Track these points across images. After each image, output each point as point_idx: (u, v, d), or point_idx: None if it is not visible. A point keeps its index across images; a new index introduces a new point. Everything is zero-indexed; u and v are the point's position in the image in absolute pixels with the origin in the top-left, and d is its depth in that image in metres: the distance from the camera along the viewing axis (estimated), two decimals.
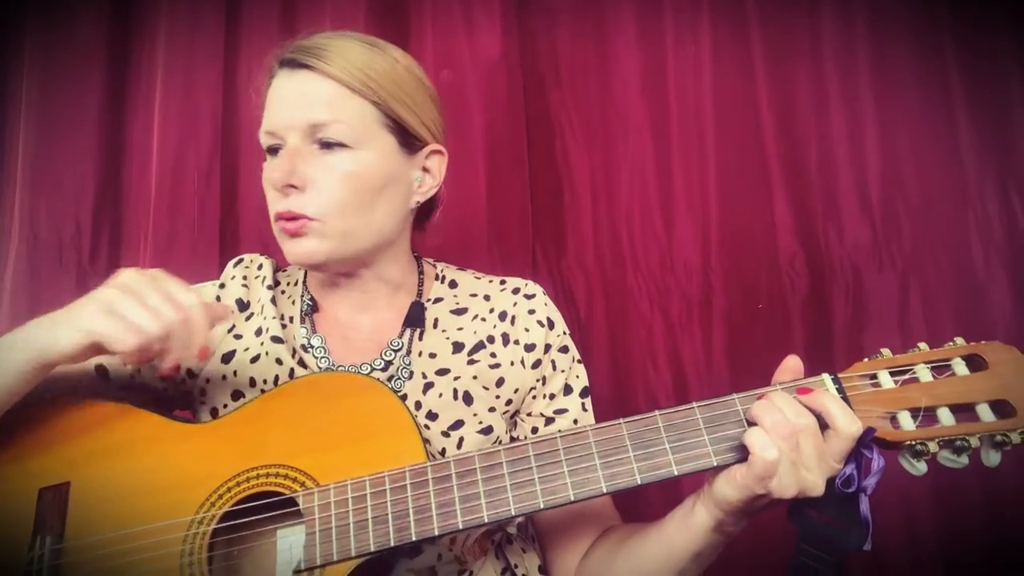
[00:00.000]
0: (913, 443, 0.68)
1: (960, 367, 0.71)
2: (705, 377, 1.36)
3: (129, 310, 0.71)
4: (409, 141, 0.89)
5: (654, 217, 1.40)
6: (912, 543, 1.27)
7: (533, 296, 0.96)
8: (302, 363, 0.89)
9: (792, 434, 0.66)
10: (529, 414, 0.93)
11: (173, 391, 0.91)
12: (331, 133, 0.84)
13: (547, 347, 0.93)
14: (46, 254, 1.37)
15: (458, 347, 0.92)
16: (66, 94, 1.40)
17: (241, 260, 0.98)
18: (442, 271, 1.01)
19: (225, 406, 0.88)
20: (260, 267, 0.97)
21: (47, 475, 0.78)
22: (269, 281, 0.95)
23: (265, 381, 0.87)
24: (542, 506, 0.69)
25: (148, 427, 0.79)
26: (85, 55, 1.41)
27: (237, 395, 0.88)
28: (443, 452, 0.85)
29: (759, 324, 1.36)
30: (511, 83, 1.41)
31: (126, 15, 1.43)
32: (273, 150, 0.87)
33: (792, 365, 0.74)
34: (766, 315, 1.36)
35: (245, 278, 0.95)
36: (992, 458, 0.68)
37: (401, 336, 0.92)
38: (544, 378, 0.93)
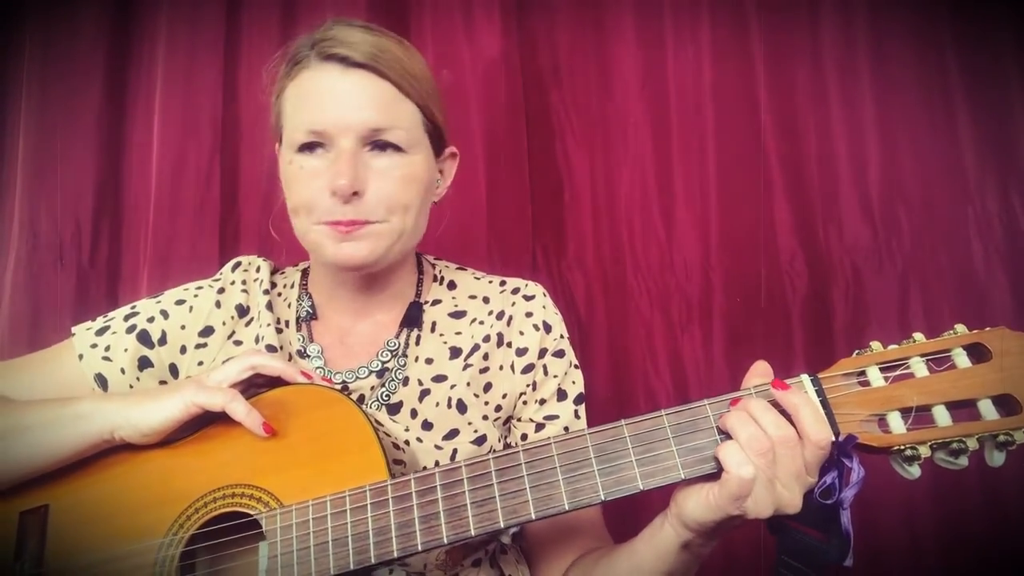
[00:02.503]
0: (902, 448, 0.63)
1: (961, 358, 0.64)
2: (705, 377, 1.36)
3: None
4: (438, 144, 0.90)
5: (654, 217, 1.40)
6: (912, 542, 1.27)
7: (532, 298, 0.94)
8: None
9: (769, 449, 0.62)
10: (520, 420, 0.92)
11: None
12: (390, 138, 0.82)
13: (541, 352, 0.91)
14: (46, 254, 1.37)
15: (455, 352, 0.91)
16: (66, 94, 1.40)
17: (239, 263, 0.96)
18: (440, 272, 0.99)
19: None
20: (258, 270, 0.95)
21: (26, 498, 0.78)
22: (266, 285, 0.93)
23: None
24: (502, 525, 0.67)
25: (123, 447, 0.78)
26: (85, 55, 1.41)
27: None
28: (436, 465, 0.83)
29: (759, 324, 1.36)
30: (511, 83, 1.41)
31: (126, 15, 1.43)
32: (312, 146, 0.83)
33: (762, 370, 0.70)
34: (766, 315, 1.36)
35: (244, 283, 0.93)
36: (996, 458, 0.62)
37: (398, 336, 0.91)
38: (535, 383, 0.91)
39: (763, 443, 0.62)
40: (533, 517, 0.67)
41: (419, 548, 0.67)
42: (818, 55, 1.38)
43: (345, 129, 0.81)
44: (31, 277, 1.36)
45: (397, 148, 0.83)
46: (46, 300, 1.36)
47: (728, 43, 1.39)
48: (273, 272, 0.98)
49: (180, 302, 0.91)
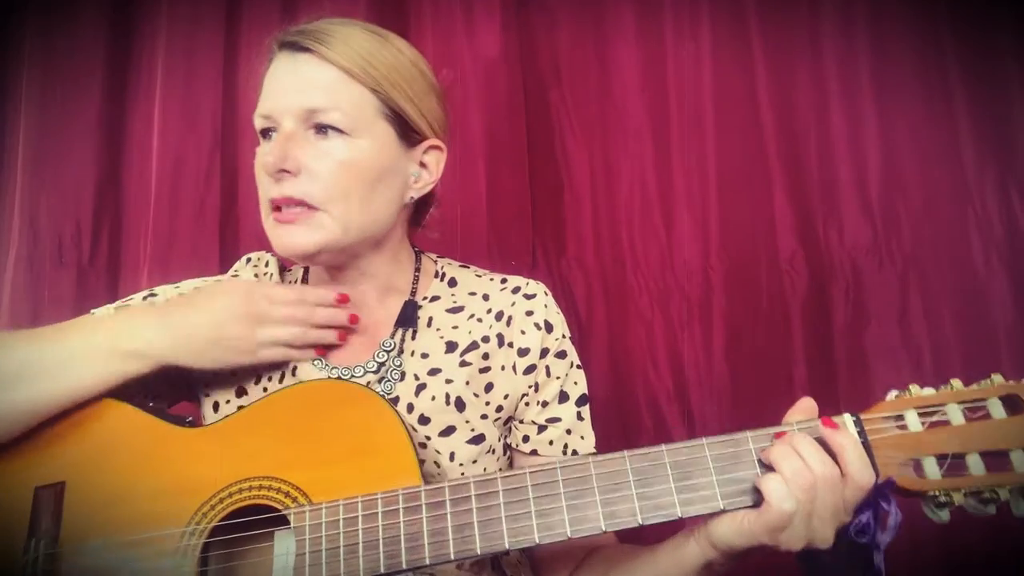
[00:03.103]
0: (936, 494, 0.64)
1: (996, 408, 0.65)
2: (705, 377, 1.35)
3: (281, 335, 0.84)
4: (408, 133, 0.87)
5: (654, 217, 1.40)
6: (912, 544, 1.27)
7: (533, 296, 0.93)
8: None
9: (812, 486, 0.63)
10: (522, 421, 0.91)
11: (181, 380, 0.89)
12: (327, 119, 0.81)
13: (543, 352, 0.90)
14: (46, 254, 1.38)
15: (451, 346, 0.90)
16: (66, 94, 1.40)
17: (250, 259, 0.98)
18: (443, 268, 0.98)
19: (228, 401, 0.87)
20: (267, 264, 0.97)
21: (43, 474, 0.77)
22: (276, 279, 0.95)
23: (270, 379, 0.87)
24: (537, 540, 0.66)
25: (144, 429, 0.78)
26: (85, 54, 1.41)
27: (241, 391, 0.87)
28: (436, 465, 0.84)
29: (759, 324, 1.36)
30: (511, 83, 1.41)
31: (126, 14, 1.43)
32: (266, 133, 0.85)
33: (806, 407, 0.70)
34: (766, 315, 1.36)
35: (256, 276, 0.95)
36: (1023, 508, 0.63)
37: (393, 336, 0.90)
38: (537, 384, 0.90)
39: (807, 479, 0.63)
40: (569, 535, 0.66)
41: (452, 557, 0.67)
42: (818, 54, 1.38)
43: (285, 111, 0.82)
44: (31, 276, 1.36)
45: (339, 131, 0.82)
46: (46, 299, 1.36)
47: (728, 42, 1.39)
48: (281, 270, 0.98)
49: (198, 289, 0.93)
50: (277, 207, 0.82)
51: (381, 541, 0.68)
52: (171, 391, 0.90)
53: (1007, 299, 1.29)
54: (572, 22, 1.44)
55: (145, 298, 0.91)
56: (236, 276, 0.96)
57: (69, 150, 1.39)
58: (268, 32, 1.39)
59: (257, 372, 0.87)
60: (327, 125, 0.82)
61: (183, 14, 1.41)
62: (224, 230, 1.40)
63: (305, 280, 0.97)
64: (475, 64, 1.41)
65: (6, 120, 1.45)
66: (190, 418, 0.83)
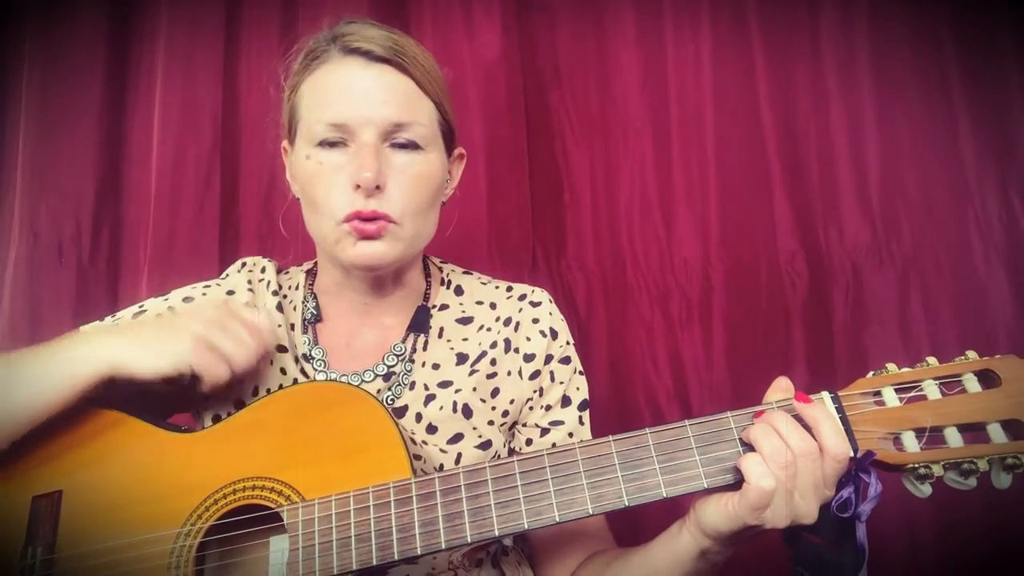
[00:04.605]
0: (916, 466, 0.65)
1: (971, 383, 0.67)
2: (705, 377, 1.36)
3: (223, 344, 0.76)
4: (449, 144, 0.89)
5: (654, 217, 1.40)
6: (912, 549, 1.27)
7: (539, 304, 0.94)
8: (304, 373, 0.88)
9: (791, 462, 0.64)
10: (525, 425, 0.92)
11: (179, 393, 0.89)
12: (410, 134, 0.82)
13: (548, 358, 0.92)
14: (46, 254, 1.37)
15: (462, 359, 0.90)
16: (66, 94, 1.40)
17: (244, 264, 0.97)
18: (447, 275, 0.98)
19: (228, 414, 0.86)
20: (263, 270, 0.96)
21: (40, 483, 0.77)
22: (274, 286, 0.93)
23: (268, 390, 0.86)
24: (526, 526, 0.68)
25: (139, 436, 0.79)
26: (85, 54, 1.41)
27: (240, 404, 0.87)
28: (441, 467, 0.84)
29: (759, 324, 1.36)
30: (511, 83, 1.41)
31: (126, 14, 1.43)
32: (333, 143, 0.82)
33: (783, 385, 0.72)
34: (766, 315, 1.36)
35: (250, 283, 0.94)
36: (1003, 480, 0.65)
37: (404, 341, 0.91)
38: (541, 389, 0.91)
39: (785, 456, 0.64)
40: (557, 519, 0.68)
41: (443, 546, 0.68)
42: (818, 55, 1.38)
43: (367, 123, 0.80)
44: (31, 276, 1.36)
45: (416, 145, 0.82)
46: (46, 299, 1.35)
47: (728, 43, 1.39)
48: (278, 272, 0.98)
49: (187, 299, 0.92)
50: (354, 218, 0.80)
51: (373, 534, 0.69)
52: (165, 406, 0.90)
53: (1007, 299, 1.29)
54: (572, 23, 1.44)
55: (135, 315, 0.90)
56: (227, 280, 0.95)
57: (69, 150, 1.39)
58: (268, 34, 1.41)
59: (255, 384, 0.87)
60: (410, 140, 0.82)
61: (183, 14, 1.41)
62: (224, 230, 1.39)
63: (310, 284, 0.95)
64: (475, 65, 1.41)
65: (6, 120, 1.45)
66: (185, 427, 0.83)
